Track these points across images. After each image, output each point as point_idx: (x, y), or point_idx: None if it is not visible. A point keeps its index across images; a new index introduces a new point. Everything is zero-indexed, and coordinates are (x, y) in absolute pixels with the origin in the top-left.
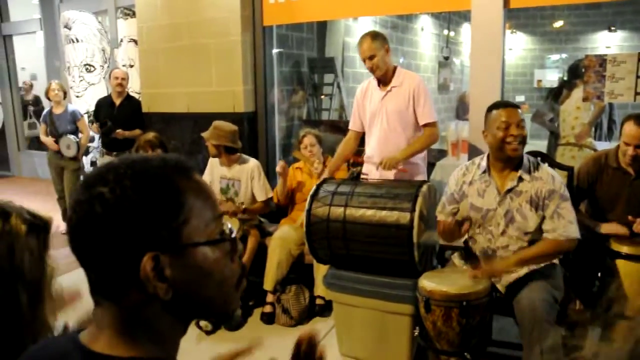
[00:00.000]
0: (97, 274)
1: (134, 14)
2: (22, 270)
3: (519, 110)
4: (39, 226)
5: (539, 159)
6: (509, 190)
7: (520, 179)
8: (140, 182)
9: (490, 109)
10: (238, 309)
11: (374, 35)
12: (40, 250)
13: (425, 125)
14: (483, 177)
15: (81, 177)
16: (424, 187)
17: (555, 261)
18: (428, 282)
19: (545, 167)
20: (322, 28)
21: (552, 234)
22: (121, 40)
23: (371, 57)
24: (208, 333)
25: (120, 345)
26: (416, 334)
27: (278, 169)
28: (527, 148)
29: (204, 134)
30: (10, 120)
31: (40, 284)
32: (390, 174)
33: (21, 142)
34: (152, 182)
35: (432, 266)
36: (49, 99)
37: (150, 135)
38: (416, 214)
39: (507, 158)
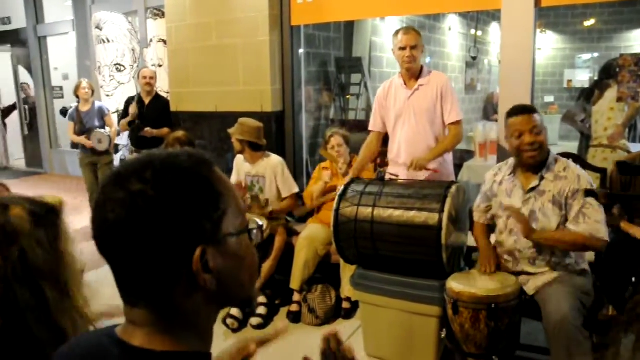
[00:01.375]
0: (139, 273)
1: (163, 15)
2: (39, 267)
3: (535, 115)
4: (42, 216)
5: (570, 160)
6: (532, 190)
7: (542, 178)
8: (180, 177)
9: (507, 115)
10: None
11: (418, 32)
12: (50, 240)
13: (451, 124)
14: (511, 177)
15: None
16: (453, 188)
17: (586, 266)
18: (456, 284)
19: (573, 167)
20: (349, 28)
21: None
22: (150, 40)
23: (414, 47)
24: (234, 331)
25: (159, 340)
26: (443, 336)
27: (326, 179)
28: (557, 149)
29: (230, 130)
30: (44, 119)
31: (61, 274)
32: (420, 175)
33: (53, 140)
34: (190, 177)
35: (460, 268)
36: (77, 96)
37: (180, 133)
38: (445, 214)
39: (527, 163)
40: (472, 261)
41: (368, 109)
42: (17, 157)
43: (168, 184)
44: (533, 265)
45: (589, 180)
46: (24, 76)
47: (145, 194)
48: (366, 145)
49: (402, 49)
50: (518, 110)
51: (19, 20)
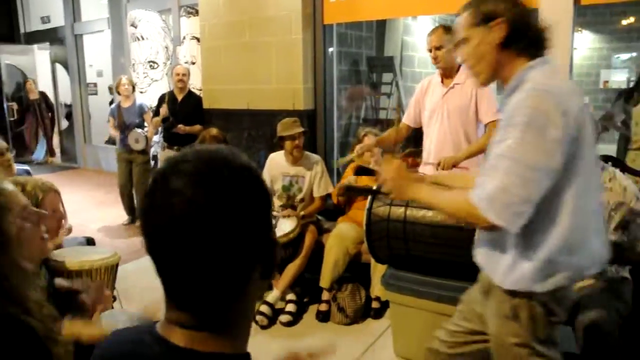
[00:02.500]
0: (199, 285)
1: (196, 13)
2: None
3: None
4: None
5: (609, 165)
6: None
7: None
8: (250, 180)
9: None
10: None
11: (447, 29)
12: None
13: (488, 123)
14: None
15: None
16: None
17: (626, 274)
18: None
19: (620, 178)
20: (381, 27)
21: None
22: (184, 38)
23: (438, 48)
24: (263, 327)
25: (204, 341)
26: None
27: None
28: None
29: (284, 133)
30: (79, 115)
31: None
32: (450, 173)
33: (87, 136)
34: (255, 179)
35: None
36: (118, 93)
37: (215, 131)
38: None
39: None
40: None
41: (399, 109)
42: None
43: (243, 184)
44: None
45: (635, 193)
46: (61, 73)
47: (220, 203)
48: (394, 129)
49: (429, 50)
50: None
51: (58, 18)
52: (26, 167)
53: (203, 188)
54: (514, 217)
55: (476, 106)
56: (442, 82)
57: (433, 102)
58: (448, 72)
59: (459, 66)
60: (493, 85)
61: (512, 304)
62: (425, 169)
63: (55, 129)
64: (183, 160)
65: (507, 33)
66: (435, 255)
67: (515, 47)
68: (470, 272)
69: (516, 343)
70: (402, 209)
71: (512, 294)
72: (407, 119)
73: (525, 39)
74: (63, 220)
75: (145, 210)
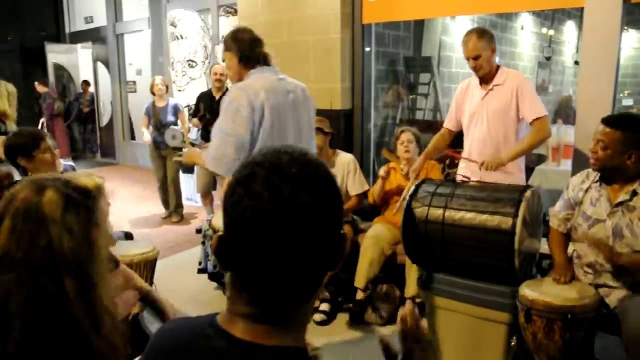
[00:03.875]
0: (277, 284)
1: (235, 12)
2: (64, 257)
3: (608, 129)
4: (77, 201)
5: None
6: (620, 204)
7: (635, 193)
8: (326, 179)
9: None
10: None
11: (481, 34)
12: (83, 226)
13: (534, 121)
14: (597, 186)
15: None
16: (528, 192)
17: None
18: (529, 291)
19: None
20: (419, 27)
21: None
22: (222, 37)
23: (475, 57)
24: (319, 324)
25: (268, 335)
26: (513, 344)
27: (381, 172)
28: None
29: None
30: (118, 112)
31: (88, 266)
32: (492, 176)
33: (126, 133)
34: (332, 179)
35: (532, 275)
36: (153, 93)
37: None
38: (519, 219)
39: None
40: (543, 269)
41: (436, 109)
42: (95, 148)
43: (323, 188)
44: (616, 279)
45: None
46: (102, 71)
47: (304, 202)
48: (436, 138)
49: (467, 59)
50: (602, 120)
51: (100, 18)
52: (71, 162)
53: (284, 188)
54: (227, 167)
55: (517, 106)
56: (480, 84)
57: (473, 104)
58: (485, 77)
59: (498, 67)
60: (533, 83)
61: None
62: (464, 170)
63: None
64: (265, 159)
65: (237, 57)
66: (473, 258)
67: (243, 63)
68: (508, 276)
69: None
70: (440, 211)
71: None
72: (449, 123)
73: (244, 59)
74: None
75: (229, 208)
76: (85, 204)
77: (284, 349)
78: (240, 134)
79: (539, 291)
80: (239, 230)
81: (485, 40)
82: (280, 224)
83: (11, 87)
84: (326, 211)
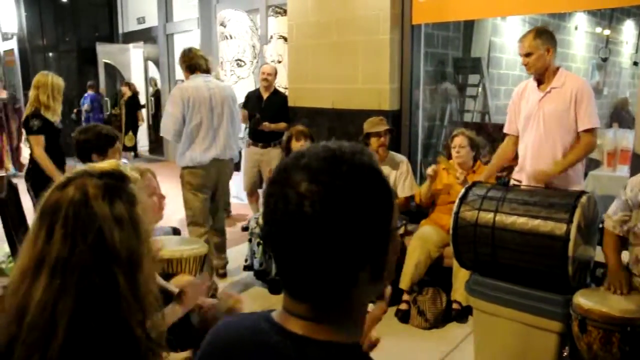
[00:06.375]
0: (322, 275)
1: (284, 12)
2: (115, 250)
3: None
4: (116, 186)
5: None
6: None
7: None
8: (373, 177)
9: None
10: None
11: (538, 33)
12: (128, 212)
13: (584, 132)
14: None
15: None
16: (584, 198)
17: None
18: (585, 300)
19: None
20: (469, 27)
21: None
22: (271, 37)
23: (527, 55)
24: None
25: (321, 330)
26: (565, 354)
27: (429, 172)
28: None
29: (370, 130)
30: None
31: (136, 249)
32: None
33: None
34: (377, 179)
35: (586, 284)
36: None
37: (301, 127)
38: (574, 225)
39: None
40: (597, 278)
41: (484, 111)
42: (142, 145)
43: (364, 182)
44: None
45: None
46: (153, 70)
47: (346, 192)
48: (501, 149)
49: (520, 55)
50: None
51: (152, 19)
52: (124, 159)
53: (322, 183)
54: (174, 137)
55: (575, 111)
56: (538, 86)
57: (529, 107)
58: (543, 77)
59: (557, 69)
60: (591, 90)
61: None
62: (519, 175)
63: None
64: (305, 156)
65: (184, 68)
66: (524, 263)
67: (186, 70)
68: (561, 284)
69: None
70: (491, 215)
71: None
72: (510, 129)
73: (187, 67)
74: (163, 201)
75: (268, 202)
76: (123, 186)
77: (338, 344)
78: (177, 115)
79: (594, 300)
80: (280, 220)
81: (541, 40)
82: (324, 213)
83: (57, 80)
84: (372, 203)
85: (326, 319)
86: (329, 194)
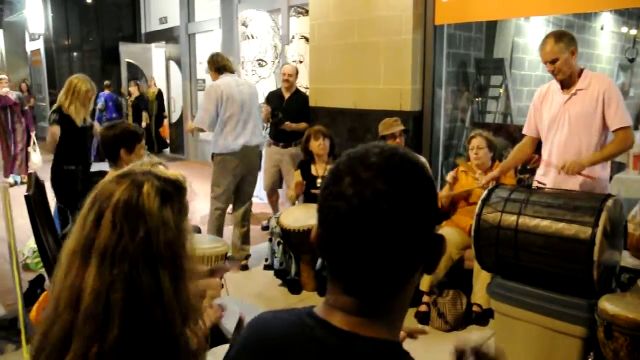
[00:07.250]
0: (377, 272)
1: (306, 12)
2: (161, 251)
3: None
4: (170, 193)
5: None
6: None
7: None
8: (426, 178)
9: None
10: None
11: (559, 37)
12: (177, 221)
13: (617, 130)
14: None
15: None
16: (610, 201)
17: None
18: (610, 305)
19: None
20: (491, 28)
21: None
22: (292, 37)
23: (553, 61)
24: None
25: (365, 326)
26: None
27: (448, 178)
28: None
29: (385, 132)
30: (188, 110)
31: (181, 258)
32: (569, 184)
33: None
34: (430, 178)
35: (611, 289)
36: None
37: (318, 126)
38: (599, 229)
39: None
40: (623, 283)
41: (507, 112)
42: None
43: (426, 180)
44: None
45: None
46: (174, 69)
47: (416, 190)
48: (518, 147)
49: (545, 62)
50: None
51: (174, 19)
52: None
53: (397, 181)
54: (208, 127)
55: (603, 112)
56: (562, 89)
57: (553, 110)
58: (568, 80)
59: (581, 71)
60: (618, 89)
61: None
62: (541, 176)
63: (166, 122)
64: (367, 154)
65: (214, 70)
66: (547, 267)
67: (214, 71)
68: (585, 288)
69: None
70: (514, 217)
71: None
72: (529, 131)
73: (216, 69)
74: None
75: (326, 197)
76: (178, 196)
77: (381, 341)
78: (211, 110)
79: (621, 306)
80: (333, 220)
81: (564, 43)
82: (400, 211)
83: (80, 84)
84: (431, 200)
85: (374, 315)
86: (404, 192)
